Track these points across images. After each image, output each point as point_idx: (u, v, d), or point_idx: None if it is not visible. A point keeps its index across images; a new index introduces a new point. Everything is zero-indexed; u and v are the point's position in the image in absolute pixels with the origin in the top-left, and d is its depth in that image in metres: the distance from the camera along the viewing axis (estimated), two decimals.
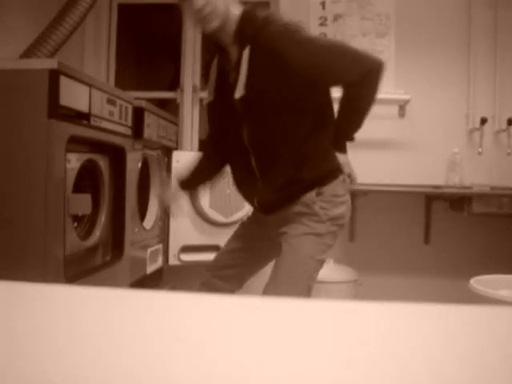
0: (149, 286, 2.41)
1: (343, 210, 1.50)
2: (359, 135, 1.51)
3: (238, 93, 1.40)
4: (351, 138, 1.52)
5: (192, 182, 1.70)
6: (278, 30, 1.35)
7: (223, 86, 1.47)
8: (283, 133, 1.43)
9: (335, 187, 1.48)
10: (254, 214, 1.65)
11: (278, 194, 1.49)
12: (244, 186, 1.59)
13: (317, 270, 1.48)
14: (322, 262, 1.49)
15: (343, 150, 1.53)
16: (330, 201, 1.47)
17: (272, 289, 1.42)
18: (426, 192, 2.74)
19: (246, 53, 1.37)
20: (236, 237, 1.66)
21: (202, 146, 1.71)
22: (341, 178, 1.49)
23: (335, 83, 1.42)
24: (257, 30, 1.36)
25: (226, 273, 1.61)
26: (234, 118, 1.46)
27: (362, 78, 1.35)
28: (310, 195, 1.46)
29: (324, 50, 1.36)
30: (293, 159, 1.44)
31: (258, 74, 1.38)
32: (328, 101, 1.50)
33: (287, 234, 1.46)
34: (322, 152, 1.49)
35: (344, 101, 1.43)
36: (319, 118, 1.47)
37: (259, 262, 1.64)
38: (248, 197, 1.60)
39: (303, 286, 1.46)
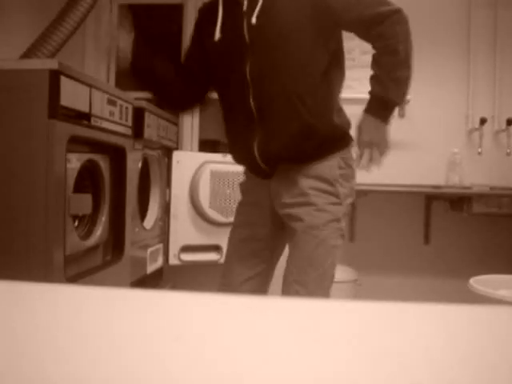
0: (149, 286, 2.41)
1: (353, 184, 1.37)
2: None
3: (256, 19, 1.28)
4: (395, 99, 1.27)
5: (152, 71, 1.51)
6: None
7: (232, 19, 1.35)
8: (298, 67, 1.28)
9: (351, 155, 1.33)
10: (251, 188, 1.46)
11: (287, 141, 1.30)
12: (240, 135, 1.40)
13: (337, 257, 1.39)
14: (339, 247, 1.40)
15: (381, 116, 1.26)
16: (347, 174, 1.33)
17: (301, 282, 1.31)
18: (426, 192, 2.74)
19: None
20: (242, 239, 1.49)
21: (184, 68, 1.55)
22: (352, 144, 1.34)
23: (358, 20, 1.29)
24: None
25: (249, 287, 1.44)
26: (238, 51, 1.33)
27: (387, 17, 1.26)
28: (332, 167, 1.31)
29: None
30: (307, 101, 1.28)
31: (279, 1, 1.29)
32: (342, 53, 1.38)
33: (306, 222, 1.31)
34: (337, 105, 1.34)
35: (376, 47, 1.28)
36: (334, 64, 1.34)
37: (277, 256, 1.49)
38: (244, 150, 1.39)
39: (331, 277, 1.37)
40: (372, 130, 1.27)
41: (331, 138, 1.32)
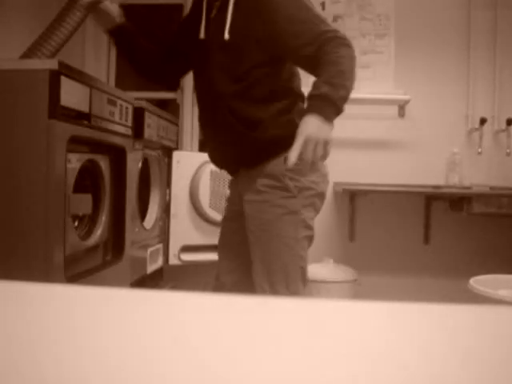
0: (149, 286, 2.41)
1: (315, 177, 1.38)
2: (359, 136, 1.49)
3: (226, 34, 1.35)
4: (333, 96, 1.23)
5: (127, 37, 1.56)
6: None
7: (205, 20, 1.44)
8: (231, 77, 1.37)
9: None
10: (230, 185, 1.58)
11: (230, 150, 1.44)
12: (208, 134, 1.53)
13: (304, 248, 1.40)
14: (309, 237, 1.41)
15: (316, 111, 1.23)
16: (299, 169, 1.31)
17: (265, 280, 1.36)
18: (426, 192, 2.74)
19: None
20: (224, 232, 1.57)
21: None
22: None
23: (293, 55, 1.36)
24: None
25: (230, 279, 1.51)
26: (202, 53, 1.43)
27: (332, 39, 1.27)
28: (279, 164, 1.34)
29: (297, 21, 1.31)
30: (238, 112, 1.37)
31: (241, 19, 1.35)
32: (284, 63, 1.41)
33: (259, 219, 1.37)
34: (278, 108, 1.38)
35: (320, 63, 1.28)
36: (273, 72, 1.39)
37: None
38: (209, 149, 1.55)
39: (297, 270, 1.38)
40: (313, 126, 1.22)
41: (272, 142, 1.37)
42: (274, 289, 1.36)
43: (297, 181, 1.36)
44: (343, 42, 1.28)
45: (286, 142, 1.25)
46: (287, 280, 1.37)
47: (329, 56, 1.26)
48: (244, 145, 1.39)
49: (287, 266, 1.37)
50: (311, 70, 1.33)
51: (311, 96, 1.26)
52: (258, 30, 1.33)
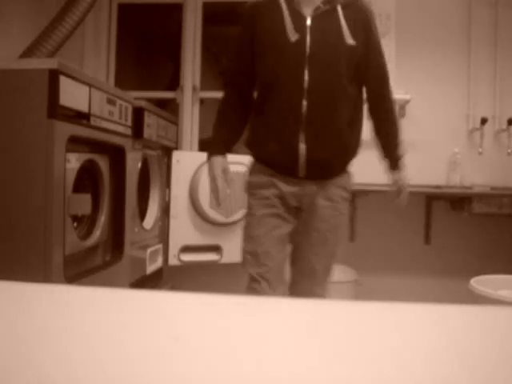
0: (149, 286, 2.41)
1: None
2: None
3: (348, 39, 1.47)
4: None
5: (232, 141, 1.64)
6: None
7: (297, 30, 1.48)
8: (343, 91, 1.50)
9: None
10: (275, 183, 1.53)
11: (333, 153, 1.52)
12: (282, 136, 1.50)
13: None
14: None
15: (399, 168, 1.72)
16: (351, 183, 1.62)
17: (326, 273, 1.60)
18: (427, 192, 2.74)
19: (339, 8, 1.50)
20: (273, 226, 1.55)
21: (230, 93, 1.64)
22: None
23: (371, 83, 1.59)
24: None
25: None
26: (297, 60, 1.46)
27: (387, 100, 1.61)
28: (351, 179, 1.60)
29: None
30: (349, 122, 1.52)
31: (352, 30, 1.49)
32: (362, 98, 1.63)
33: (330, 224, 1.55)
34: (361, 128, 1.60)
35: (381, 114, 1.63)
36: (360, 99, 1.59)
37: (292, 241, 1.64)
38: (285, 151, 1.50)
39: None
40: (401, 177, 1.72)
41: (355, 156, 1.59)
42: (325, 281, 1.61)
43: (349, 194, 1.61)
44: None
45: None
46: (329, 272, 1.62)
47: (390, 108, 1.64)
48: (343, 154, 1.56)
49: (332, 264, 1.64)
50: (374, 93, 1.60)
51: (400, 156, 1.71)
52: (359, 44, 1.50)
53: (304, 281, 1.60)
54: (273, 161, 1.54)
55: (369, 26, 1.54)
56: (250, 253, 1.54)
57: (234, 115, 1.62)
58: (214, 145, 1.60)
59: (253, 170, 1.59)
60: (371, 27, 1.55)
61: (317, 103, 1.46)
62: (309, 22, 1.47)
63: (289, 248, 1.61)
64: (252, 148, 1.59)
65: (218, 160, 1.57)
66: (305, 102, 1.45)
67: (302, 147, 1.47)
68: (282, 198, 1.53)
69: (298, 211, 1.56)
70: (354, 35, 1.48)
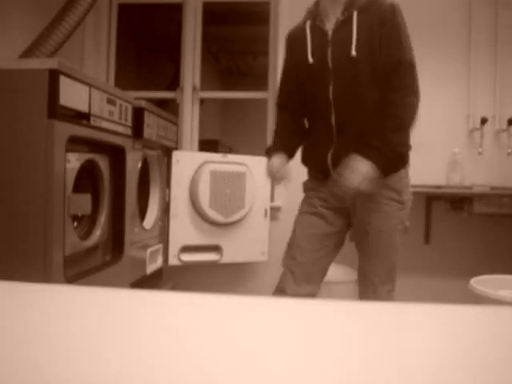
0: (149, 286, 2.41)
1: (410, 188, 1.62)
2: None
3: (352, 51, 1.51)
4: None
5: (293, 149, 1.74)
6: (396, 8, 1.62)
7: (319, 46, 1.58)
8: (367, 96, 1.53)
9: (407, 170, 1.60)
10: (319, 187, 1.66)
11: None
12: (318, 145, 1.63)
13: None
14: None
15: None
16: (408, 182, 1.61)
17: (375, 274, 1.60)
18: (427, 192, 2.73)
19: (354, 15, 1.54)
20: (313, 225, 1.66)
21: (282, 111, 1.80)
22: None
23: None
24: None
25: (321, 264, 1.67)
26: (322, 75, 1.56)
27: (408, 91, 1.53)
28: (401, 179, 1.57)
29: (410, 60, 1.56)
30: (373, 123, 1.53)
31: (364, 36, 1.52)
32: None
33: (375, 225, 1.56)
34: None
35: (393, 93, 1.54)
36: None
37: (337, 241, 1.70)
38: (319, 158, 1.62)
39: (396, 268, 1.64)
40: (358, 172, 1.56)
41: (398, 158, 1.57)
42: (381, 280, 1.60)
43: (406, 194, 1.59)
44: (414, 88, 1.53)
45: (407, 158, 1.60)
46: (391, 277, 1.62)
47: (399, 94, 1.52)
48: (379, 157, 1.55)
49: (394, 266, 1.63)
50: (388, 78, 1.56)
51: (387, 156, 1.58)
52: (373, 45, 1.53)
53: (366, 281, 1.66)
54: (313, 166, 1.69)
55: (384, 21, 1.55)
56: (288, 245, 1.69)
57: (289, 128, 1.75)
58: (271, 147, 1.74)
59: (308, 176, 1.75)
60: (386, 22, 1.56)
61: (342, 114, 1.56)
62: (330, 36, 1.56)
63: (332, 249, 1.68)
64: (302, 160, 1.73)
65: (271, 159, 1.69)
66: (333, 115, 1.56)
67: (330, 155, 1.58)
68: (323, 199, 1.65)
69: (348, 213, 1.65)
70: (361, 44, 1.51)
